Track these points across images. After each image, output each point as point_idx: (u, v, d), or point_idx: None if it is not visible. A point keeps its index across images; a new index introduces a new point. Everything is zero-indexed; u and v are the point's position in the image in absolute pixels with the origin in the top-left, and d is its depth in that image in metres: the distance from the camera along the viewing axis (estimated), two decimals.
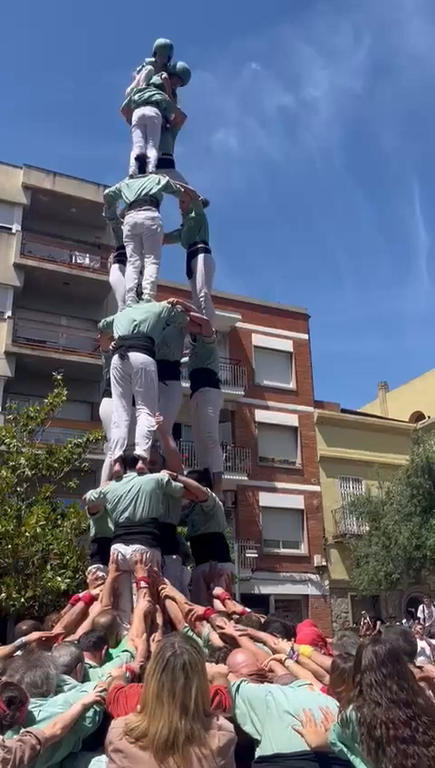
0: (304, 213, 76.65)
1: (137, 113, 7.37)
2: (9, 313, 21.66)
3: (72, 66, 70.65)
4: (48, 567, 13.96)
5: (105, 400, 6.75)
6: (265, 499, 23.16)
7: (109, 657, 4.02)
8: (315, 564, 23.24)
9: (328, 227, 76.07)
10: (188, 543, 6.44)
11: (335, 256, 77.52)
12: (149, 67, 7.72)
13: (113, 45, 67.86)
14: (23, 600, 13.35)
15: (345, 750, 2.55)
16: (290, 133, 77.03)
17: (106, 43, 68.64)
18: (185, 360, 7.13)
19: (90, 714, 2.98)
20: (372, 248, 78.01)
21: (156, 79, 7.64)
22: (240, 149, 78.11)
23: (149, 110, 7.35)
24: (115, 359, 6.04)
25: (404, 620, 18.81)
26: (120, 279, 7.12)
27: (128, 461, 5.68)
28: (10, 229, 22.70)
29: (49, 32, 66.26)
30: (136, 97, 7.47)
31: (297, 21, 72.56)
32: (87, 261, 23.45)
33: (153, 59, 7.90)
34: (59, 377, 16.03)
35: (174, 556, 5.90)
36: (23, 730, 2.73)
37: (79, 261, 23.46)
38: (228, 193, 75.47)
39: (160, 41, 7.97)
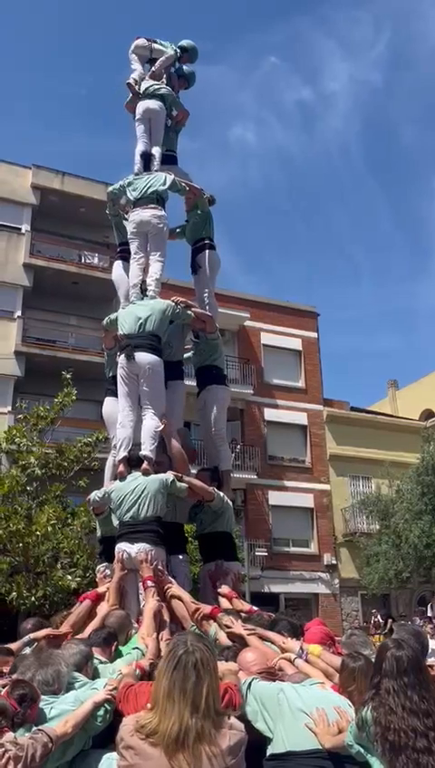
0: (321, 208, 76.49)
1: (141, 106, 7.27)
2: (19, 313, 21.75)
3: (88, 62, 70.72)
4: (58, 566, 14.03)
5: (108, 399, 6.73)
6: (275, 498, 23.13)
7: (118, 654, 4.04)
8: (325, 563, 23.19)
9: (345, 222, 75.90)
10: (196, 542, 6.44)
11: (351, 252, 77.33)
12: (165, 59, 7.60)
13: (128, 40, 67.40)
14: (33, 598, 13.42)
15: (363, 751, 2.55)
16: (308, 127, 76.79)
17: (122, 37, 68.63)
18: (188, 355, 7.11)
19: (100, 712, 2.99)
20: (389, 243, 77.74)
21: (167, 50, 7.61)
22: (257, 144, 77.99)
23: (154, 104, 7.26)
24: (121, 358, 6.01)
25: (417, 619, 18.75)
26: (122, 276, 7.10)
27: (132, 461, 5.67)
28: (19, 229, 22.79)
29: (64, 28, 66.33)
30: (142, 89, 7.36)
31: (316, 13, 72.24)
32: (96, 260, 23.50)
33: (178, 51, 7.78)
34: (68, 376, 16.09)
35: (180, 556, 5.90)
36: (34, 728, 2.75)
37: (88, 260, 23.52)
38: (245, 188, 75.46)
39: (196, 46, 7.96)
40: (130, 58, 7.72)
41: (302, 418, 24.69)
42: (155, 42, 7.71)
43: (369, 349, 75.42)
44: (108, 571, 5.76)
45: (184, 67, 8.01)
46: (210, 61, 69.49)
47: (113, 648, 4.04)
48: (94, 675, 3.61)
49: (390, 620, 19.13)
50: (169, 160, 7.54)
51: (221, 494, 6.04)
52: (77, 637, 4.21)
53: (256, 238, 76.14)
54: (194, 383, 6.97)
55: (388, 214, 76.00)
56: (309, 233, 77.39)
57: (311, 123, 75.95)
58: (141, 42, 7.68)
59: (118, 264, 7.39)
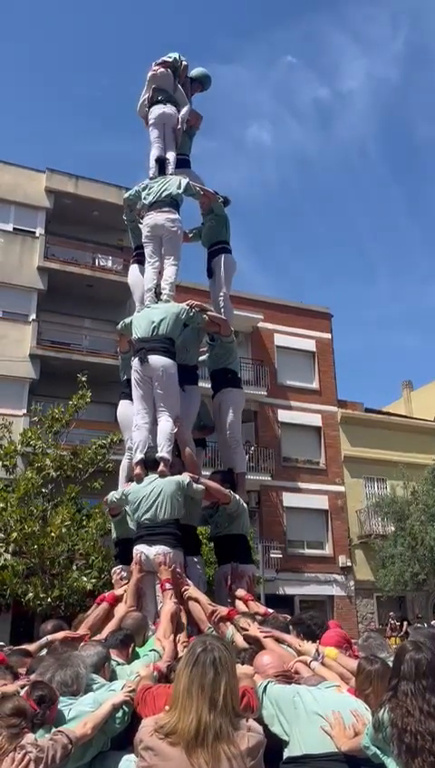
0: (339, 207, 76.07)
1: (155, 111, 7.31)
2: (33, 316, 21.89)
3: (102, 64, 70.94)
4: (74, 567, 14.11)
5: (123, 402, 6.77)
6: (289, 499, 23.08)
7: (135, 656, 4.06)
8: (340, 565, 23.09)
9: (361, 222, 75.45)
10: (211, 544, 6.45)
11: (367, 251, 76.93)
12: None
13: (144, 40, 67.54)
14: (49, 599, 13.51)
15: (379, 753, 2.55)
16: (325, 126, 76.40)
17: (137, 38, 68.72)
18: (203, 358, 7.13)
19: (119, 714, 3.01)
20: (406, 242, 77.25)
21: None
22: (274, 143, 77.85)
23: (169, 108, 7.32)
24: (135, 362, 6.05)
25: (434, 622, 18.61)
26: (138, 279, 7.13)
27: (149, 463, 5.71)
28: (34, 233, 22.94)
29: (78, 29, 66.67)
30: (158, 97, 7.39)
31: (332, 11, 71.92)
32: (110, 263, 23.61)
33: (189, 75, 7.82)
34: (83, 379, 16.18)
35: (196, 558, 5.91)
36: (54, 729, 2.77)
37: (102, 263, 23.63)
38: (261, 188, 75.34)
39: (210, 76, 8.07)
40: (148, 83, 7.50)
41: (316, 420, 24.62)
42: (180, 82, 7.61)
43: (383, 349, 75.10)
44: (124, 573, 5.79)
45: (196, 70, 8.04)
46: (227, 60, 69.51)
47: (130, 649, 4.06)
48: (111, 676, 3.64)
49: (406, 623, 19.03)
50: (182, 164, 7.57)
51: (237, 496, 6.05)
52: (94, 638, 4.24)
53: (271, 238, 76.05)
54: (207, 385, 6.99)
55: (405, 212, 75.63)
56: (325, 232, 77.16)
57: (328, 122, 75.73)
58: (169, 75, 7.45)
59: (134, 268, 7.42)
